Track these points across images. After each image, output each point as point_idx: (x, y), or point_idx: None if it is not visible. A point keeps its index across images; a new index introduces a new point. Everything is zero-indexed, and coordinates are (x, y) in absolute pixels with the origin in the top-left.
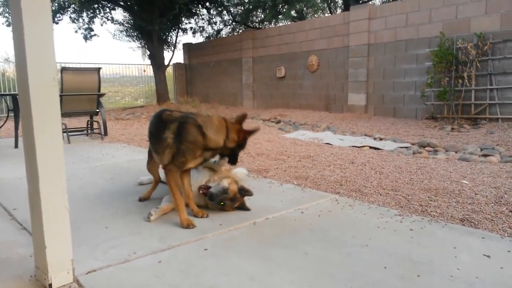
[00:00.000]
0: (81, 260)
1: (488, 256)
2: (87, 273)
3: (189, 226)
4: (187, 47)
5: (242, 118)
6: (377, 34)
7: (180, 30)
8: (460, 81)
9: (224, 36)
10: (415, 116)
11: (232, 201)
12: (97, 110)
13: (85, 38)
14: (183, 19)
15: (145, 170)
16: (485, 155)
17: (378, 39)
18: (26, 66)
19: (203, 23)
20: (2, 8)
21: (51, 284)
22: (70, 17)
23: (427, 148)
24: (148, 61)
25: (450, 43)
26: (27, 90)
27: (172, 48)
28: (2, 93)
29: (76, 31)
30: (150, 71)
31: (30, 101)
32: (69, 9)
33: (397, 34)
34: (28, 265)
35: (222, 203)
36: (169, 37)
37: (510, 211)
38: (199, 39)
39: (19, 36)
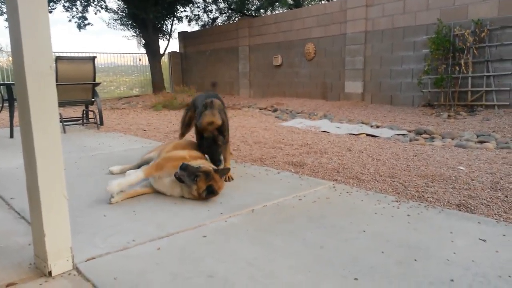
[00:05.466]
0: (80, 248)
1: (484, 241)
2: (86, 261)
3: None
4: (183, 35)
5: None
6: (374, 21)
7: (175, 18)
8: (457, 68)
9: (220, 24)
10: (412, 103)
11: (206, 176)
12: (93, 100)
13: (79, 27)
14: (178, 7)
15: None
16: (481, 142)
17: (376, 27)
18: (22, 54)
19: (199, 11)
20: None
21: (50, 271)
22: (64, 5)
23: (423, 135)
24: (143, 50)
25: (447, 30)
26: (23, 79)
27: (168, 37)
28: None
29: (70, 20)
30: (145, 60)
31: (27, 89)
32: None
33: (394, 21)
34: (27, 254)
35: (196, 177)
36: (164, 26)
37: (506, 197)
38: (194, 27)
39: (15, 24)
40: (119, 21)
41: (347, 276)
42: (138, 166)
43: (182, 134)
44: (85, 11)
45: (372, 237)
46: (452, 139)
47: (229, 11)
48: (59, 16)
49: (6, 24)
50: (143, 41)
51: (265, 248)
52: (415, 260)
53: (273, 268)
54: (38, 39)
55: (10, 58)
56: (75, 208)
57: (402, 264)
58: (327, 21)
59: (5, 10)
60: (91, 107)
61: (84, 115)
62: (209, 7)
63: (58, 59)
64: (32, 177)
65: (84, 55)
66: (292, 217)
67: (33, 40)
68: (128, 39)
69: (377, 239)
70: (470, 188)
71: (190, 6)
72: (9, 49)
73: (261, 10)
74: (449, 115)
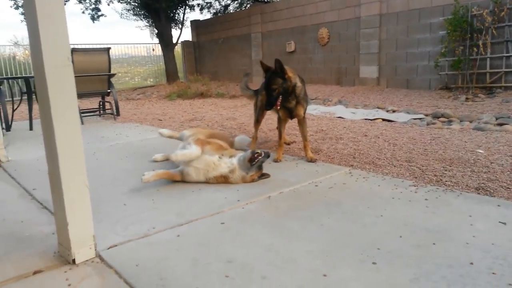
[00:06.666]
0: (102, 236)
1: (504, 223)
2: (108, 248)
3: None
4: (195, 24)
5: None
6: (389, 3)
7: (187, 7)
8: (475, 49)
9: (231, 11)
10: (428, 86)
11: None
12: (109, 91)
13: (93, 18)
14: None
15: (159, 148)
16: (501, 124)
17: (391, 9)
18: (40, 46)
19: None
20: None
21: (74, 259)
22: None
23: (441, 119)
24: (156, 40)
25: (464, 10)
26: (42, 71)
27: (180, 26)
28: (14, 76)
29: (83, 12)
30: (158, 50)
31: (46, 81)
32: None
33: (410, 3)
34: (51, 242)
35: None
36: (177, 15)
37: None
38: (206, 15)
39: (32, 16)
40: (131, 11)
41: (365, 261)
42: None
43: (258, 121)
44: (98, 2)
45: (389, 222)
46: (471, 122)
47: None
48: (73, 9)
49: (22, 17)
50: (156, 31)
51: (283, 233)
52: (434, 243)
53: (291, 253)
54: (55, 30)
55: (27, 52)
56: (95, 197)
57: (420, 248)
58: (341, 4)
59: (21, 3)
60: (107, 98)
61: (101, 106)
62: None
63: (73, 51)
64: (54, 167)
65: (98, 46)
66: (309, 203)
67: (50, 32)
68: (141, 29)
69: (395, 224)
70: (489, 171)
71: None
72: (26, 43)
73: None
74: (467, 98)
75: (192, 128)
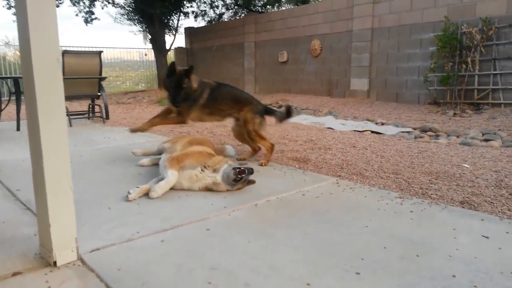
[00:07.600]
0: (84, 239)
1: (487, 237)
2: (91, 252)
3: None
4: (189, 31)
5: None
6: (381, 18)
7: (181, 14)
8: (463, 66)
9: (226, 20)
10: (417, 101)
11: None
12: (99, 94)
13: (86, 21)
14: (184, 2)
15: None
16: (487, 140)
17: (382, 24)
18: (29, 47)
19: (205, 7)
20: None
21: (55, 262)
22: (71, 0)
23: (428, 133)
24: (150, 45)
25: (454, 27)
26: (30, 72)
27: (174, 32)
28: (3, 76)
29: (76, 15)
30: (151, 55)
31: (34, 82)
32: None
33: (401, 19)
34: (32, 244)
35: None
36: (171, 21)
37: (510, 194)
38: (201, 23)
39: (23, 17)
40: (125, 16)
41: (349, 270)
42: (158, 152)
43: None
44: (92, 6)
45: (375, 233)
46: (457, 137)
47: (236, 6)
48: (66, 11)
49: (14, 18)
50: (150, 36)
51: (268, 241)
52: (418, 255)
53: (275, 261)
54: (45, 31)
55: (17, 52)
56: (80, 200)
57: (404, 260)
58: (334, 17)
59: (13, 4)
60: (97, 101)
61: (90, 109)
62: (216, 3)
63: (65, 53)
64: (38, 169)
65: (91, 50)
66: (295, 212)
67: (40, 33)
68: (135, 34)
69: (380, 235)
70: (474, 186)
71: (196, 1)
72: (17, 43)
73: (268, 6)
74: (455, 113)
75: (169, 141)
